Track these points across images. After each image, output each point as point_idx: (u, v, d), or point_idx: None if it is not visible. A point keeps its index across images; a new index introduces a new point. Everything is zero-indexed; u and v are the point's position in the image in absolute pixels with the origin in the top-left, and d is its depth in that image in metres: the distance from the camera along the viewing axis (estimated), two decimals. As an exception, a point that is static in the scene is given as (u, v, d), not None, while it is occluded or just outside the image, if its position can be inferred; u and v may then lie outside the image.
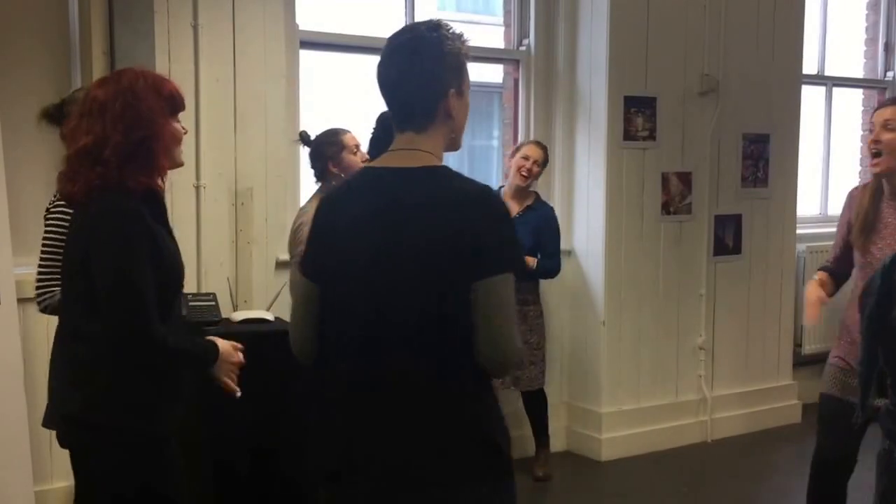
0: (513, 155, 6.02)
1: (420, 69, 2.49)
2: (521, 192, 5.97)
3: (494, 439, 2.49)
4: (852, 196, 4.25)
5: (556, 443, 6.42)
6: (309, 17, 5.76)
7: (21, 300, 4.74)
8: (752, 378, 7.13)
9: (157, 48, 5.07)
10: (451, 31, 2.55)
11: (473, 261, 2.36)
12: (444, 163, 2.54)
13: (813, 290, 4.11)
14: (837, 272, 4.32)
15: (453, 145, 2.61)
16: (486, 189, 2.48)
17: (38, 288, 3.70)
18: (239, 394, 3.22)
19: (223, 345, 3.18)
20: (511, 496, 2.54)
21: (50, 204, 3.76)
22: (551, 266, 5.97)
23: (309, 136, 4.95)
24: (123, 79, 2.98)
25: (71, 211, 3.22)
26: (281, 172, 5.51)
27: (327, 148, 4.81)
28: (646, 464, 6.41)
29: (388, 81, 2.54)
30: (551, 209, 6.12)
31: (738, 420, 7.00)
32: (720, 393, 6.95)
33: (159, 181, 3.03)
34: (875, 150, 3.94)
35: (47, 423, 3.74)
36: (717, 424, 6.89)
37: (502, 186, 6.10)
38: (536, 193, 6.11)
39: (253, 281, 5.40)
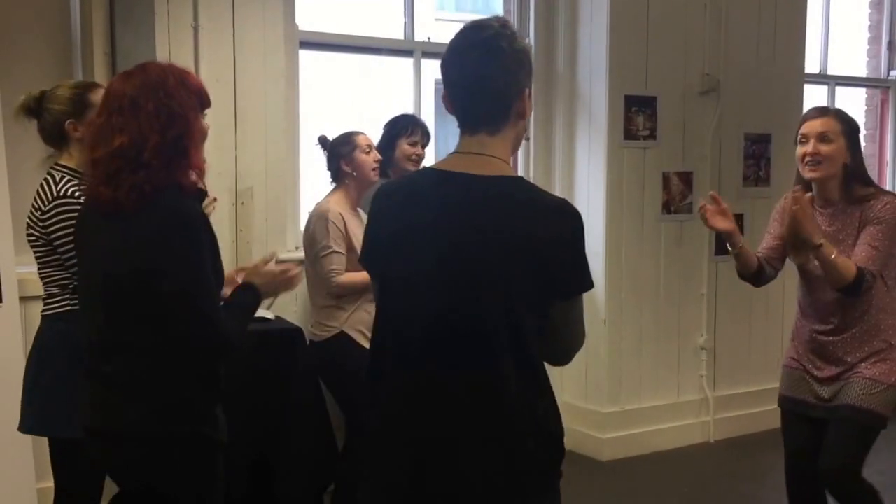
0: None
1: (501, 65, 2.42)
2: None
3: (558, 445, 2.52)
4: (784, 201, 4.24)
5: (557, 443, 6.40)
6: (308, 18, 5.77)
7: (23, 299, 4.75)
8: (753, 378, 7.11)
9: (157, 49, 5.07)
10: (513, 30, 2.48)
11: (553, 280, 2.34)
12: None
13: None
14: (764, 262, 4.36)
15: (518, 147, 2.60)
16: (565, 202, 2.43)
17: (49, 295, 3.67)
18: (299, 268, 3.28)
19: (252, 276, 3.15)
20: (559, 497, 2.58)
21: (42, 209, 3.62)
22: None
23: (327, 140, 5.02)
24: (151, 73, 2.89)
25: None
26: (281, 172, 5.51)
27: (341, 148, 4.91)
28: (647, 464, 6.41)
29: (464, 80, 2.46)
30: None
31: (740, 420, 6.98)
32: (722, 393, 6.94)
33: (200, 179, 2.97)
34: (814, 160, 3.96)
35: (34, 429, 3.73)
36: (718, 425, 6.88)
37: None
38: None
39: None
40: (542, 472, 2.46)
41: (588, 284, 2.42)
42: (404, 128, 5.29)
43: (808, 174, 4.00)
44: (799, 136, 4.05)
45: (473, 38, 2.45)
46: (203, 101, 2.98)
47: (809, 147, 3.97)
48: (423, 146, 5.34)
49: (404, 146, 5.24)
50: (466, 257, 2.34)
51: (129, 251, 2.78)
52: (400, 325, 2.44)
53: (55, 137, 3.68)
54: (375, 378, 2.50)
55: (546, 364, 2.50)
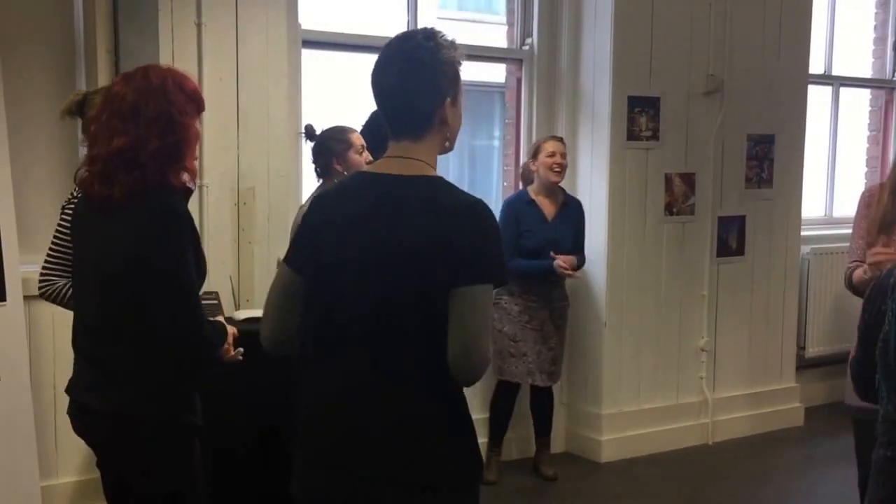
0: (534, 156, 5.98)
1: (419, 78, 2.53)
2: (552, 190, 6.00)
3: (473, 443, 2.60)
4: (868, 194, 4.25)
5: (556, 444, 6.42)
6: (311, 16, 5.75)
7: (28, 297, 4.76)
8: (754, 380, 7.12)
9: (160, 47, 5.07)
10: (445, 39, 2.59)
11: (457, 268, 2.41)
12: (438, 166, 2.60)
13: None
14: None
15: (447, 150, 2.67)
16: (477, 201, 2.53)
17: (42, 275, 3.70)
18: (242, 352, 3.33)
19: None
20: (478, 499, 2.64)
21: (66, 202, 3.72)
22: (583, 259, 6.03)
23: (314, 131, 4.97)
24: (152, 78, 3.02)
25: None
26: (283, 172, 5.50)
27: (334, 144, 4.84)
28: (646, 466, 6.41)
29: (385, 89, 2.58)
30: (580, 203, 6.17)
31: (740, 422, 7.00)
32: (722, 395, 6.94)
33: (190, 181, 3.11)
34: None
35: None
36: (718, 427, 6.88)
37: (526, 187, 6.09)
38: (563, 189, 6.12)
39: (255, 280, 5.40)
40: (458, 471, 2.54)
41: (487, 276, 2.46)
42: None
43: None
44: None
45: (392, 49, 2.59)
46: (199, 105, 3.14)
47: None
48: None
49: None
50: (387, 253, 2.47)
51: (118, 243, 2.95)
52: (333, 318, 2.57)
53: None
54: (309, 363, 2.64)
55: (454, 374, 2.50)
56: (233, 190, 5.32)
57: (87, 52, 5.22)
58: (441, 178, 2.57)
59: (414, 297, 2.45)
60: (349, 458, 2.50)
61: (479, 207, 2.50)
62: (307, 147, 5.02)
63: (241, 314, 5.00)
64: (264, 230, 5.46)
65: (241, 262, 5.37)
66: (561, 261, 5.73)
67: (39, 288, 3.72)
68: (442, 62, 2.54)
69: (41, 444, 4.84)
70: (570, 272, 5.77)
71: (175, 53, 5.10)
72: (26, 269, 4.77)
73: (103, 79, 5.09)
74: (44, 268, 3.72)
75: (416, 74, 2.53)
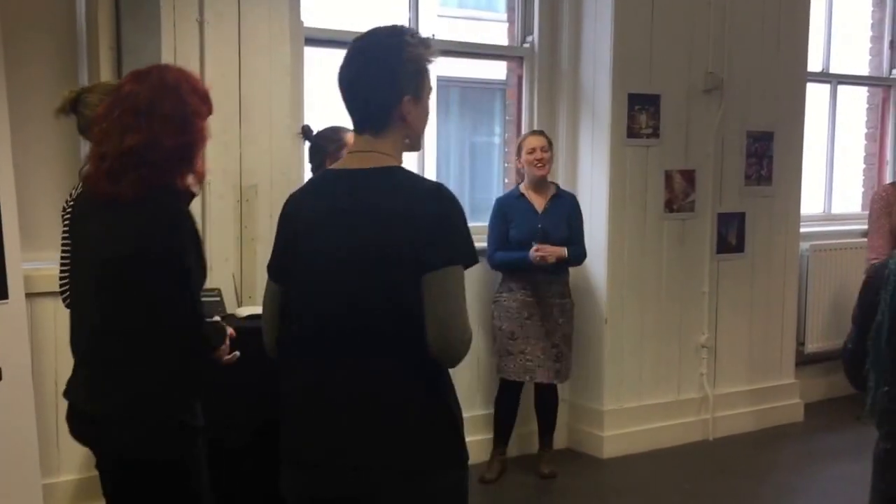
0: (518, 154, 6.03)
1: (375, 74, 2.56)
2: (541, 185, 6.01)
3: (455, 426, 2.59)
4: (885, 192, 4.34)
5: (558, 440, 6.43)
6: (314, 14, 5.76)
7: (29, 295, 4.77)
8: (754, 376, 7.14)
9: (163, 44, 5.06)
10: (413, 36, 2.62)
11: (424, 254, 2.43)
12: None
13: None
14: None
15: (412, 147, 2.69)
16: (437, 185, 2.56)
17: (62, 283, 3.71)
18: (238, 355, 3.34)
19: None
20: (466, 483, 2.64)
21: (66, 203, 3.72)
22: (581, 252, 6.02)
23: (311, 131, 5.01)
24: (168, 78, 3.01)
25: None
26: (285, 169, 5.50)
27: (328, 143, 4.85)
28: (647, 461, 6.43)
29: (345, 83, 2.62)
30: (574, 196, 6.18)
31: (741, 418, 7.01)
32: (722, 391, 6.96)
33: (195, 184, 3.10)
34: None
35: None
36: (719, 423, 6.90)
37: (519, 183, 6.12)
38: (556, 184, 6.14)
39: (257, 277, 5.40)
40: (441, 454, 2.54)
41: (455, 256, 2.48)
42: None
43: None
44: None
45: (355, 45, 2.63)
46: (209, 108, 3.12)
47: None
48: None
49: None
50: (352, 250, 2.48)
51: (118, 240, 2.93)
52: (303, 319, 2.60)
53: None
54: (284, 363, 2.67)
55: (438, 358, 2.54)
56: (235, 187, 5.32)
57: (89, 49, 5.22)
58: (400, 167, 2.59)
59: (384, 290, 2.46)
60: (332, 451, 2.52)
61: (441, 190, 2.53)
62: (306, 143, 5.04)
63: (244, 311, 5.01)
64: (266, 227, 5.45)
65: (244, 259, 5.37)
66: (537, 247, 5.74)
67: (61, 292, 3.73)
68: (403, 59, 2.56)
69: (43, 441, 4.84)
70: (547, 259, 5.75)
71: (177, 50, 5.10)
72: (28, 266, 4.78)
73: (105, 75, 5.10)
74: (62, 272, 3.73)
75: (374, 69, 2.55)
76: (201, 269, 3.05)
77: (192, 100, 3.00)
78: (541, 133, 6.07)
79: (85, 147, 3.89)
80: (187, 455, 3.05)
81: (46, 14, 5.18)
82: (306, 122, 5.30)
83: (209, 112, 3.10)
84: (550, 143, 6.03)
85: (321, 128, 5.00)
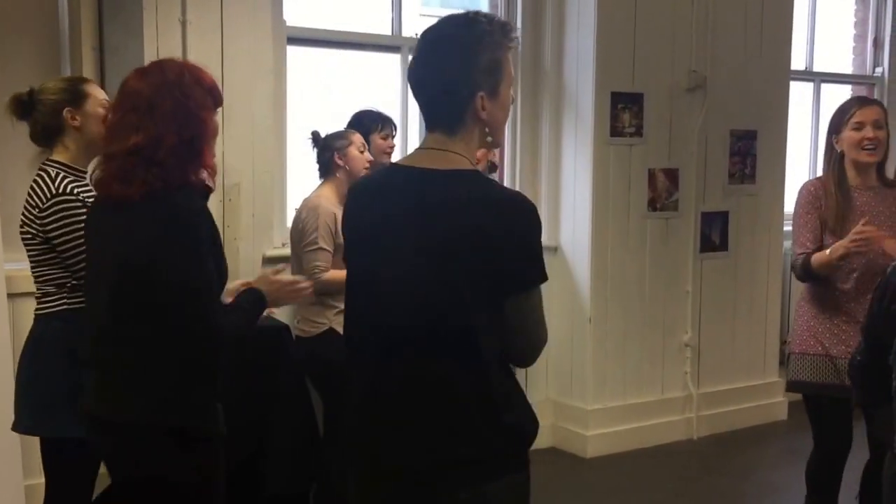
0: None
1: (446, 71, 2.42)
2: None
3: (519, 429, 2.48)
4: (813, 188, 4.45)
5: (542, 439, 6.40)
6: (296, 13, 5.75)
7: (11, 295, 4.75)
8: (738, 375, 7.15)
9: (145, 44, 5.06)
10: (490, 23, 2.43)
11: (502, 270, 2.34)
12: (475, 165, 2.49)
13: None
14: None
15: (494, 144, 2.55)
16: (519, 196, 2.44)
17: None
18: (310, 287, 3.38)
19: (260, 283, 3.23)
20: (528, 484, 2.54)
21: (40, 207, 3.51)
22: None
23: (320, 136, 5.07)
24: (168, 72, 2.93)
25: (81, 211, 3.26)
26: (268, 168, 5.50)
27: (336, 141, 4.98)
28: (631, 461, 6.43)
29: (414, 81, 2.50)
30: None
31: (724, 417, 7.02)
32: (706, 390, 6.96)
33: (209, 178, 3.03)
34: (872, 144, 4.31)
35: (30, 429, 3.68)
36: (702, 421, 6.91)
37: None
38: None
39: (240, 276, 5.37)
40: (495, 459, 2.42)
41: (540, 277, 2.43)
42: (375, 124, 5.31)
43: (865, 158, 4.35)
44: (852, 123, 4.35)
45: (426, 38, 2.48)
46: (216, 99, 3.03)
47: (869, 132, 4.31)
48: (393, 137, 5.40)
49: (378, 141, 5.27)
50: (422, 254, 2.36)
51: (134, 243, 2.85)
52: (365, 320, 2.50)
53: (49, 131, 3.60)
54: (351, 370, 2.58)
55: (517, 364, 2.55)
56: (218, 186, 5.29)
57: (71, 49, 5.21)
58: (477, 173, 2.45)
59: (456, 305, 2.35)
60: (398, 469, 2.45)
61: (522, 202, 2.41)
62: (293, 144, 5.06)
63: (228, 311, 5.00)
64: (249, 227, 5.46)
65: (227, 258, 5.34)
66: None
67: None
68: (476, 53, 2.40)
69: (24, 442, 4.81)
70: None
71: (160, 50, 5.08)
72: (10, 266, 4.76)
73: (88, 75, 5.07)
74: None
75: (444, 66, 2.42)
76: (220, 269, 2.97)
77: (194, 93, 2.91)
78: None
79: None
80: (208, 471, 2.99)
81: (28, 14, 5.17)
82: (289, 120, 5.30)
83: (217, 103, 3.02)
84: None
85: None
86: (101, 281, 2.96)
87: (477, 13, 2.46)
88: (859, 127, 4.32)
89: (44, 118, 3.60)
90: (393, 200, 2.46)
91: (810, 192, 4.46)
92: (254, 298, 3.13)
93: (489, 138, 2.49)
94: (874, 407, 3.49)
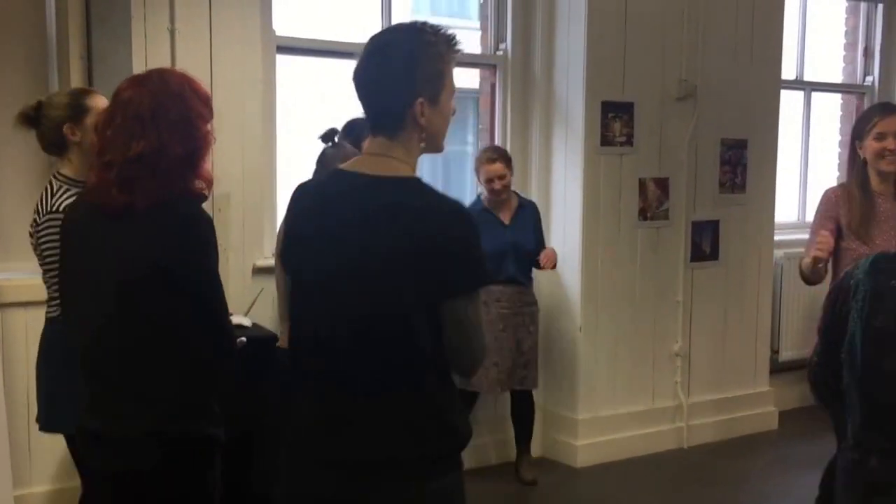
0: (476, 173, 6.00)
1: (388, 75, 2.48)
2: (501, 200, 5.97)
3: (458, 431, 2.54)
4: (834, 195, 4.52)
5: (533, 449, 6.41)
6: (286, 23, 5.74)
7: (1, 305, 4.73)
8: (728, 384, 7.14)
9: (133, 53, 5.05)
10: (435, 34, 2.50)
11: (442, 277, 2.39)
12: (415, 171, 2.55)
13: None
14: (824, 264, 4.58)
15: (430, 150, 2.59)
16: (456, 204, 2.49)
17: (52, 298, 3.64)
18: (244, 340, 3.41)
19: None
20: (463, 485, 2.59)
21: (39, 216, 3.62)
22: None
23: (335, 132, 5.03)
24: (171, 82, 2.94)
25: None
26: (258, 178, 5.49)
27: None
28: (622, 470, 6.42)
29: (359, 84, 2.54)
30: (534, 203, 6.20)
31: (715, 426, 7.01)
32: (696, 399, 6.95)
33: (205, 188, 3.04)
34: (893, 157, 4.54)
35: (45, 426, 3.78)
36: (693, 431, 6.90)
37: (480, 194, 6.08)
38: (516, 193, 6.12)
39: (230, 287, 5.34)
40: (436, 458, 2.49)
41: (479, 281, 2.48)
42: (367, 131, 5.27)
43: (885, 167, 4.58)
44: (874, 133, 4.55)
45: (372, 43, 2.54)
46: (212, 110, 3.04)
47: (890, 143, 4.50)
48: None
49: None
50: (361, 263, 2.41)
51: (142, 254, 2.82)
52: (307, 325, 2.55)
53: (55, 144, 3.72)
54: (294, 376, 2.62)
55: (459, 372, 2.57)
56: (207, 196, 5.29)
57: (59, 57, 5.20)
58: (416, 179, 2.50)
59: (390, 308, 2.40)
60: (340, 463, 2.49)
61: (460, 210, 2.48)
62: (283, 153, 5.03)
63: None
64: (239, 237, 5.45)
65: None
66: (544, 263, 5.92)
67: (49, 306, 3.69)
68: (419, 59, 2.46)
69: (14, 452, 4.81)
70: (554, 265, 5.98)
71: (148, 59, 5.07)
72: (1, 276, 4.75)
73: (76, 83, 5.07)
74: (53, 286, 3.63)
75: (387, 70, 2.48)
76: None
77: (195, 104, 2.93)
78: (496, 158, 5.92)
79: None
80: (206, 474, 3.00)
81: (16, 22, 5.15)
82: (279, 130, 5.28)
83: (211, 116, 3.03)
84: (509, 161, 5.96)
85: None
86: (102, 293, 2.89)
87: (424, 24, 2.54)
88: (881, 137, 4.50)
89: (48, 133, 3.72)
90: (335, 206, 2.51)
91: (829, 200, 4.58)
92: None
93: (422, 144, 2.54)
94: (829, 406, 3.52)
